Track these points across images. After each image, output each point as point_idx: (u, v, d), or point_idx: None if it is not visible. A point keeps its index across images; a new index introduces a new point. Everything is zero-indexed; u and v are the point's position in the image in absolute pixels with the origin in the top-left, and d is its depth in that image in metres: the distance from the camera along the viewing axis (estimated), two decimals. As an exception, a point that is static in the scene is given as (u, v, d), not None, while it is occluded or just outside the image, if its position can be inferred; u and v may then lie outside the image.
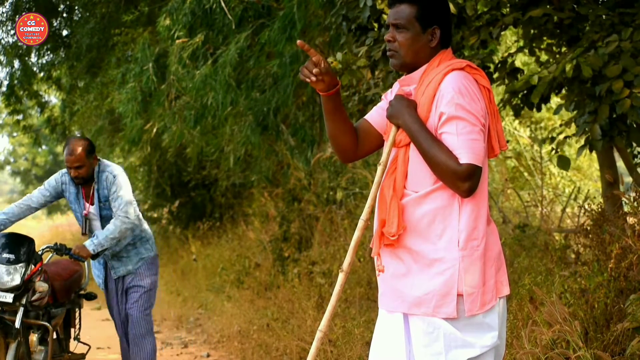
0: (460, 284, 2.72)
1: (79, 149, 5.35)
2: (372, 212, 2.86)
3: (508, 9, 5.37)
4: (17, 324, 5.04)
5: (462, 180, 2.68)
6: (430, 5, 2.83)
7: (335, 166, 9.22)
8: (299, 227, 9.38)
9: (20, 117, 16.02)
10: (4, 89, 13.43)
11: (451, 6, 5.06)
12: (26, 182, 33.32)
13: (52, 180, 5.58)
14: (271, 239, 9.74)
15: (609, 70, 4.49)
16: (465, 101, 2.71)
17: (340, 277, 2.83)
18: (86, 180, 5.42)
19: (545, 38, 5.70)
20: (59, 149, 25.31)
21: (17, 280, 5.04)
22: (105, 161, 5.54)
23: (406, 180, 2.81)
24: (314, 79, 2.81)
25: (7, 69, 13.00)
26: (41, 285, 5.16)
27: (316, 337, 2.85)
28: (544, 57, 6.42)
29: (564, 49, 5.66)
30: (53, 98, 17.73)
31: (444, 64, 2.82)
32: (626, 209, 5.47)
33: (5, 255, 5.09)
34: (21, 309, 5.08)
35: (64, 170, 5.53)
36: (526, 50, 5.83)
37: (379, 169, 2.85)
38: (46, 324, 5.28)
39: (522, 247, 6.29)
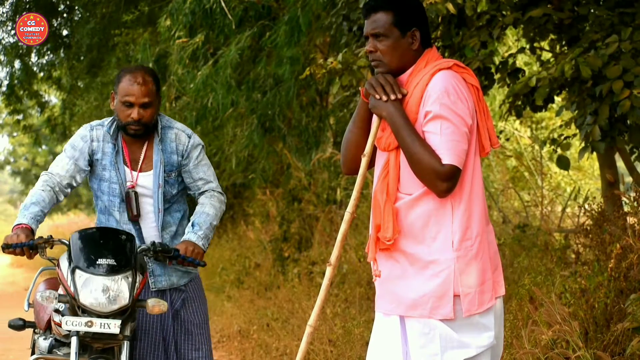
0: (457, 285, 2.72)
1: (151, 79, 3.65)
2: (357, 204, 2.86)
3: (509, 11, 5.38)
4: None
5: (442, 180, 2.67)
6: (406, 8, 2.82)
7: (336, 166, 9.22)
8: (299, 227, 9.38)
9: (20, 117, 16.06)
10: (4, 88, 13.44)
11: (451, 6, 5.06)
12: (26, 182, 33.30)
13: (76, 141, 3.70)
14: (271, 239, 9.75)
15: (609, 70, 4.49)
16: (450, 101, 2.70)
17: (328, 270, 2.84)
18: (146, 132, 3.67)
19: (551, 36, 5.70)
20: (59, 149, 25.28)
21: (125, 298, 3.33)
22: (166, 116, 3.82)
23: (399, 183, 2.81)
24: (392, 97, 2.77)
25: (7, 69, 13.03)
26: (159, 304, 3.43)
27: (306, 332, 2.84)
28: (545, 56, 6.42)
29: (564, 49, 5.66)
30: (53, 98, 17.76)
31: (431, 64, 2.81)
32: (626, 208, 5.47)
33: (102, 260, 3.36)
34: (126, 345, 3.36)
35: (93, 123, 3.79)
36: (527, 50, 5.83)
37: (363, 160, 2.85)
38: None
39: (522, 247, 6.29)
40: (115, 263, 3.35)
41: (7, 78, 13.17)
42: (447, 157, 2.68)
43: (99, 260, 3.35)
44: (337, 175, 9.30)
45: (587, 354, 3.76)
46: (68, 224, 23.81)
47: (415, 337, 2.75)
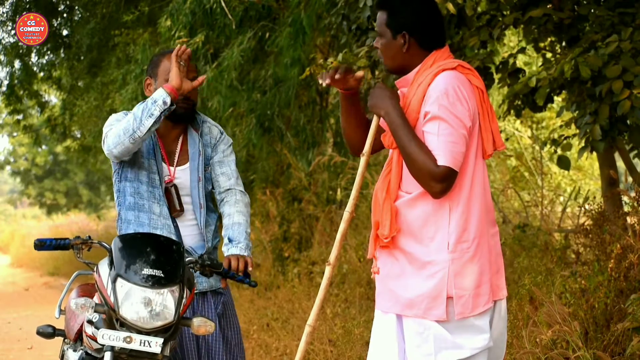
0: (450, 286, 2.71)
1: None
2: (356, 204, 2.87)
3: (509, 11, 5.38)
4: None
5: (437, 181, 2.67)
6: (398, 11, 2.82)
7: (336, 166, 9.22)
8: (299, 227, 9.38)
9: (20, 117, 16.06)
10: (4, 88, 13.45)
11: (451, 6, 5.06)
12: (26, 182, 33.31)
13: (119, 116, 3.47)
14: (271, 239, 9.74)
15: (609, 70, 4.49)
16: (449, 102, 2.69)
17: (327, 270, 2.84)
18: (191, 114, 3.48)
19: (551, 38, 5.70)
20: (59, 148, 25.22)
21: (170, 314, 3.00)
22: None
23: (401, 181, 2.81)
24: (328, 81, 2.86)
25: (7, 69, 13.04)
26: (205, 324, 3.10)
27: (305, 331, 2.85)
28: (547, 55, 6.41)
29: (565, 50, 5.66)
30: (53, 98, 17.74)
31: (436, 64, 2.81)
32: (626, 208, 5.47)
33: (147, 270, 3.00)
34: None
35: (124, 112, 3.52)
36: (528, 51, 5.84)
37: (362, 159, 2.87)
38: None
39: (522, 247, 6.29)
40: (162, 275, 3.00)
41: (7, 78, 13.18)
42: (443, 159, 2.67)
43: (144, 270, 2.99)
44: (337, 176, 9.30)
45: (587, 354, 3.76)
46: (68, 224, 23.69)
47: (411, 336, 2.76)
